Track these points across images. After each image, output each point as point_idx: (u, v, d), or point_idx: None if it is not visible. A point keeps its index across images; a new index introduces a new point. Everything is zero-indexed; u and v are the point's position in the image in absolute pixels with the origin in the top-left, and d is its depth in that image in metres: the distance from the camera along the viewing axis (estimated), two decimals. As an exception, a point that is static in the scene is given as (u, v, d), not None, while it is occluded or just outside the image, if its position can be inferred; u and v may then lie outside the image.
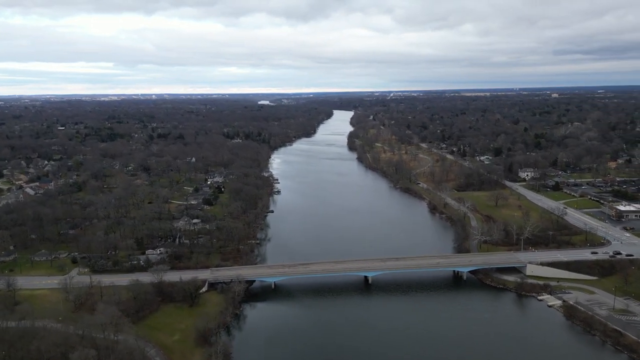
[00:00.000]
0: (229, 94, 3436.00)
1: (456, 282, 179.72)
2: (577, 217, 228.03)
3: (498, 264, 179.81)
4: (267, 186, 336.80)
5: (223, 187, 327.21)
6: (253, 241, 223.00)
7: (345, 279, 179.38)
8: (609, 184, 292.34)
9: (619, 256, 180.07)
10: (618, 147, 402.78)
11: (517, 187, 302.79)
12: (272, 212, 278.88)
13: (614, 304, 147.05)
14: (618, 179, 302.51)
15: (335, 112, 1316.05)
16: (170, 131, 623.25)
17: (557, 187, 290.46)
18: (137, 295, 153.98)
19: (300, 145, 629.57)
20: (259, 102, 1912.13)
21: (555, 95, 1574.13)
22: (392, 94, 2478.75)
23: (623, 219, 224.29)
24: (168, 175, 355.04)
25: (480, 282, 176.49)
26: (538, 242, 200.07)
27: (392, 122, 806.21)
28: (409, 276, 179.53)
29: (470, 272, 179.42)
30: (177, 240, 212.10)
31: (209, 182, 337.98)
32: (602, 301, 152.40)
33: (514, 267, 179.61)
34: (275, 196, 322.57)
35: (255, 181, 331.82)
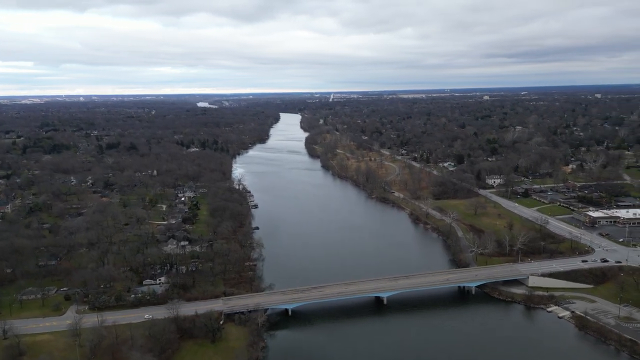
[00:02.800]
0: (163, 95, 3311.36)
1: (464, 296, 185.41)
2: (556, 225, 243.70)
3: (503, 277, 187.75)
4: (244, 200, 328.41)
5: (197, 202, 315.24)
6: (250, 263, 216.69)
7: (359, 300, 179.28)
8: (571, 189, 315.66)
9: (606, 263, 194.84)
10: (566, 152, 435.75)
11: (488, 194, 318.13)
12: (258, 228, 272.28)
13: (619, 313, 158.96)
14: (578, 184, 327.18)
15: (282, 115, 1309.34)
16: (119, 140, 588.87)
17: (526, 194, 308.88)
18: (154, 333, 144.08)
19: (259, 152, 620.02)
20: (199, 104, 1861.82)
21: (486, 97, 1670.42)
22: (332, 95, 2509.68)
23: (596, 225, 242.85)
24: (135, 192, 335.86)
25: (488, 295, 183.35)
26: (529, 252, 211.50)
27: (345, 126, 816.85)
28: (421, 294, 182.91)
29: (477, 286, 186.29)
30: (175, 267, 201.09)
31: (183, 198, 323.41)
32: (605, 310, 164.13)
33: (515, 279, 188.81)
34: (253, 210, 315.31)
35: (231, 195, 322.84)
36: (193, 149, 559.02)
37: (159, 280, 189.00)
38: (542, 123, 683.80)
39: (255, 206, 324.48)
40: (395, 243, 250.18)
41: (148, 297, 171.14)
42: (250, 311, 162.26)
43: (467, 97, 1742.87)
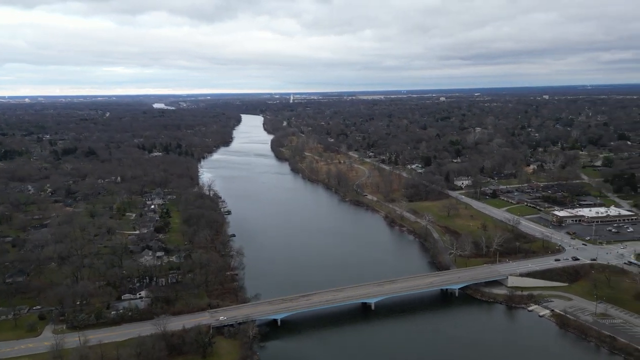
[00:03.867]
0: (115, 96, 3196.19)
1: (447, 299, 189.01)
2: (526, 225, 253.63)
3: (484, 278, 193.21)
4: (216, 207, 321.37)
5: (168, 210, 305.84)
6: (231, 273, 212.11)
7: (347, 306, 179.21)
8: (535, 189, 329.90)
9: (578, 262, 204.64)
10: (525, 153, 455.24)
11: (458, 195, 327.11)
12: (234, 236, 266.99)
13: (595, 310, 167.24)
14: (541, 184, 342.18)
15: (243, 116, 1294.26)
16: (75, 145, 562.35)
17: (494, 195, 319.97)
18: (144, 352, 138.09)
19: (224, 156, 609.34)
20: (155, 105, 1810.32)
21: (443, 98, 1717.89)
22: (292, 96, 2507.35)
23: (563, 224, 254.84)
24: (100, 200, 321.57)
25: (471, 297, 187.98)
26: (505, 252, 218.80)
27: (309, 128, 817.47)
28: (407, 298, 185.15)
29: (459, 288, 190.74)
30: (154, 280, 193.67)
31: (152, 206, 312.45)
32: (582, 307, 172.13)
33: (496, 279, 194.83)
34: (227, 217, 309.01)
35: (203, 202, 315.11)
36: (156, 154, 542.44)
37: (139, 294, 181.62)
38: (499, 124, 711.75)
39: (229, 212, 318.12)
40: (375, 246, 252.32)
41: (130, 313, 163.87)
42: (240, 323, 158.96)
43: (425, 99, 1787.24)
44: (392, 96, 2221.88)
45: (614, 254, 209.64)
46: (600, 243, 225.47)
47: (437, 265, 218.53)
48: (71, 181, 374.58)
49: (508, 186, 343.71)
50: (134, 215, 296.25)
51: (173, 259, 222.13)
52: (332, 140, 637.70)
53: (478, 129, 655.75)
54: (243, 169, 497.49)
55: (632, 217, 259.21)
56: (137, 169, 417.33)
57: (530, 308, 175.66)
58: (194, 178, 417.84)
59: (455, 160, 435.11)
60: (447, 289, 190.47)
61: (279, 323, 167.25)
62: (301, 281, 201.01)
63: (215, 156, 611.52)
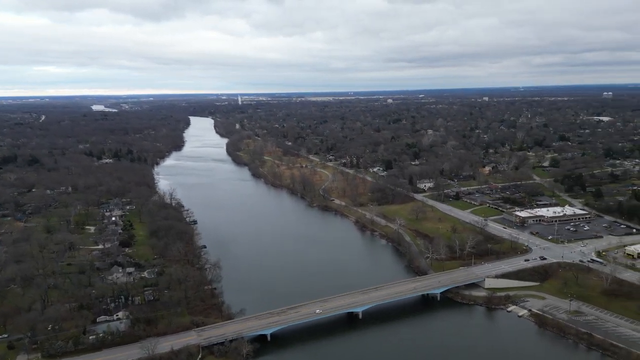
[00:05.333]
0: (48, 97, 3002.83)
1: (430, 303, 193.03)
2: (493, 227, 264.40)
3: (463, 281, 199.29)
4: (181, 216, 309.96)
5: (130, 221, 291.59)
6: (209, 287, 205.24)
7: (335, 316, 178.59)
8: (494, 190, 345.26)
9: (545, 261, 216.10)
10: (478, 155, 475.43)
11: (423, 198, 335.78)
12: (205, 247, 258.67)
13: (569, 308, 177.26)
14: (499, 185, 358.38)
15: (192, 119, 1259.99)
16: (15, 152, 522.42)
17: (457, 197, 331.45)
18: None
19: (179, 161, 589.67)
20: (94, 107, 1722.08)
21: (390, 100, 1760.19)
22: (240, 97, 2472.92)
23: (525, 225, 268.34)
24: (53, 213, 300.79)
25: (452, 300, 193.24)
26: (477, 254, 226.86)
27: (264, 131, 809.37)
28: (392, 305, 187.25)
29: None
30: (130, 299, 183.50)
31: (113, 218, 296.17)
32: (556, 305, 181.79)
33: (474, 282, 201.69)
34: (194, 227, 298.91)
35: (167, 212, 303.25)
36: (106, 160, 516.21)
37: (116, 315, 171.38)
38: (449, 127, 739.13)
39: (194, 222, 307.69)
40: (350, 252, 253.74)
41: (111, 337, 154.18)
42: (231, 340, 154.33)
43: (373, 100, 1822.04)
44: (341, 98, 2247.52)
45: (576, 252, 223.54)
46: (562, 242, 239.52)
47: (414, 269, 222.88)
48: (16, 192, 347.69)
49: (469, 188, 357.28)
50: (93, 228, 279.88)
51: (145, 274, 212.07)
52: (290, 143, 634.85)
53: (430, 132, 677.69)
54: (202, 175, 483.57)
55: (587, 216, 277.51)
56: (89, 177, 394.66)
57: (509, 309, 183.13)
58: (151, 186, 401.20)
59: (414, 163, 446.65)
60: (428, 294, 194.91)
61: (268, 338, 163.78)
62: (284, 292, 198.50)
63: (169, 162, 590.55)
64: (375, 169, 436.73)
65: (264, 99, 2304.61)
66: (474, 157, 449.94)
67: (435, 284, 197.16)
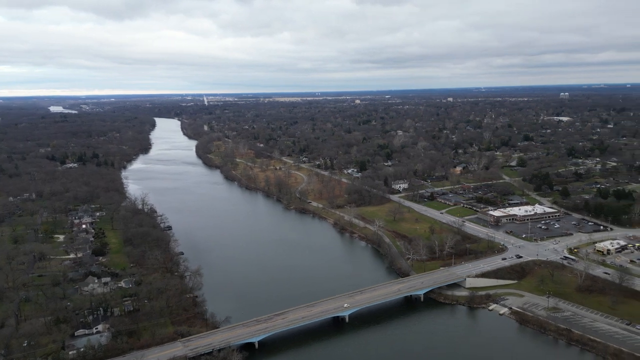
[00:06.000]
0: (2, 98, 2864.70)
1: (414, 304, 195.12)
2: (469, 226, 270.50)
3: (445, 282, 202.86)
4: (155, 222, 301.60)
5: (102, 229, 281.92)
6: (191, 295, 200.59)
7: (322, 321, 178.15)
8: (467, 190, 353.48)
9: (521, 259, 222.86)
10: (449, 155, 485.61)
11: (399, 199, 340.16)
12: (183, 254, 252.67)
13: (548, 304, 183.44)
14: (471, 185, 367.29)
15: (157, 120, 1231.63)
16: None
17: (432, 198, 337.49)
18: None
19: (147, 165, 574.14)
20: (52, 109, 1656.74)
21: (357, 101, 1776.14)
22: (205, 97, 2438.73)
23: (500, 224, 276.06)
24: (18, 222, 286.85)
25: (435, 301, 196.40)
26: (456, 254, 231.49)
27: (234, 133, 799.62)
28: (377, 307, 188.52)
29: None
30: (109, 311, 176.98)
31: (83, 226, 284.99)
32: (535, 302, 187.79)
33: (455, 282, 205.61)
34: (169, 233, 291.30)
35: (140, 218, 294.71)
36: (70, 165, 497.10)
37: (96, 328, 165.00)
38: (418, 127, 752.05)
39: (169, 228, 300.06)
40: (331, 255, 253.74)
41: (92, 352, 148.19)
42: (219, 350, 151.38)
43: (340, 101, 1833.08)
44: (309, 98, 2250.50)
45: (549, 250, 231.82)
46: (535, 240, 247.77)
47: (396, 271, 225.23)
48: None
49: (442, 188, 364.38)
50: (62, 237, 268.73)
51: (122, 284, 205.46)
52: (262, 145, 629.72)
53: (400, 132, 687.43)
54: (173, 179, 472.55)
55: (556, 214, 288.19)
56: (54, 183, 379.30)
57: (490, 307, 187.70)
58: (121, 191, 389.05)
59: (387, 164, 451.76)
60: (412, 295, 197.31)
61: (256, 346, 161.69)
62: (269, 299, 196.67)
63: (137, 165, 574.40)
64: (349, 171, 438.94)
65: (231, 100, 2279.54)
66: (445, 158, 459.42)
67: (418, 285, 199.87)
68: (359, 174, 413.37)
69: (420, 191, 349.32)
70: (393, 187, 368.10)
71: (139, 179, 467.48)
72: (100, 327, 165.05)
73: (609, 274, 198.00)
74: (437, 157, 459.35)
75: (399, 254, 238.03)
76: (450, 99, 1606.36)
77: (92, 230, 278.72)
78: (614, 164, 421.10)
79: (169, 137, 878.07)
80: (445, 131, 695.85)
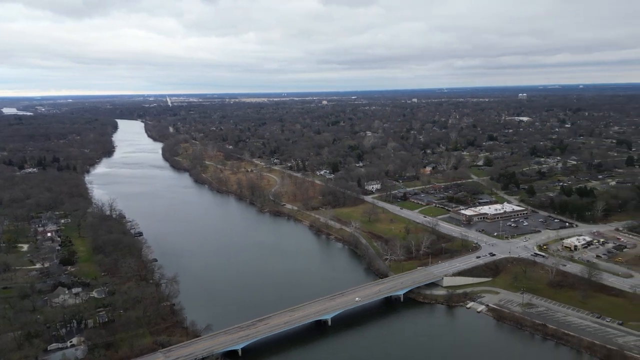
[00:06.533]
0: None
1: (394, 304, 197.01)
2: (443, 226, 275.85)
3: (423, 281, 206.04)
4: (125, 229, 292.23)
5: (68, 237, 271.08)
6: (167, 303, 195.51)
7: (305, 325, 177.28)
8: (438, 190, 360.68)
9: (495, 257, 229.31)
10: (419, 155, 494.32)
11: (373, 200, 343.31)
12: (156, 260, 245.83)
13: (522, 300, 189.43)
14: (441, 185, 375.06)
15: (119, 122, 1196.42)
16: None
17: (405, 198, 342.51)
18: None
19: (112, 169, 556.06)
20: (4, 110, 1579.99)
21: (325, 102, 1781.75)
22: (167, 98, 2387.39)
23: (471, 223, 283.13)
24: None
25: (414, 300, 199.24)
26: (432, 253, 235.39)
27: (201, 135, 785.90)
28: (359, 309, 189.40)
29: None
30: (83, 323, 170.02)
31: (49, 234, 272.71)
32: (510, 299, 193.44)
33: (433, 281, 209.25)
34: (139, 239, 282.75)
35: (110, 225, 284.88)
36: (29, 170, 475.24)
37: (70, 342, 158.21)
38: (387, 128, 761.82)
39: (140, 234, 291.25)
40: (309, 257, 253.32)
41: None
42: (202, 359, 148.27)
43: (307, 102, 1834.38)
44: (275, 99, 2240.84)
45: (520, 247, 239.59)
46: (506, 238, 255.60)
47: (374, 272, 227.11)
48: None
49: (414, 188, 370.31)
50: (26, 246, 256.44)
51: (94, 294, 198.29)
52: (231, 147, 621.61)
53: (369, 133, 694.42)
54: (140, 183, 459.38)
55: (524, 212, 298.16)
56: (14, 190, 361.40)
57: (468, 305, 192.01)
58: (86, 197, 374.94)
59: (358, 165, 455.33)
60: (392, 296, 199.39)
61: (239, 353, 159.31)
62: (249, 304, 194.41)
63: (101, 169, 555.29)
64: (322, 172, 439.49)
65: (195, 100, 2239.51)
66: (415, 158, 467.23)
67: (398, 285, 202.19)
68: (332, 176, 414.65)
69: (393, 191, 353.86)
70: (366, 188, 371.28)
71: (105, 184, 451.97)
72: (75, 340, 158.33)
73: (578, 270, 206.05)
74: (407, 157, 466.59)
75: (377, 255, 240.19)
76: (415, 100, 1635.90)
77: (58, 239, 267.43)
78: (574, 162, 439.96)
79: (133, 140, 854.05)
80: (412, 131, 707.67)
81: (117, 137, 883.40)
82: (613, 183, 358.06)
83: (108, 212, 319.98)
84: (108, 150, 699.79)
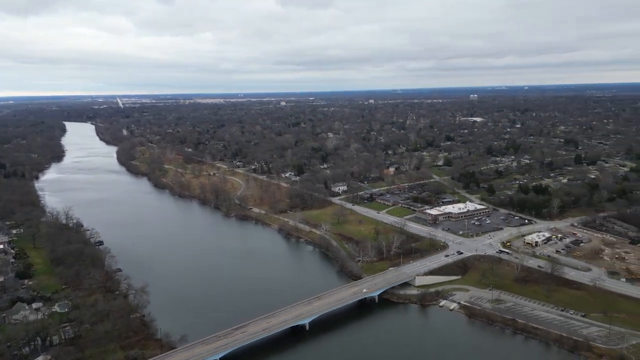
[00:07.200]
0: None
1: (369, 306, 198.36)
2: (411, 226, 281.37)
3: (397, 282, 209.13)
4: (84, 238, 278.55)
5: (22, 248, 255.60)
6: (137, 315, 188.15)
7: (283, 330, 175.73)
8: (402, 191, 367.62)
9: (462, 255, 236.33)
10: (381, 156, 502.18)
11: (340, 201, 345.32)
12: (121, 270, 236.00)
13: (491, 297, 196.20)
14: (405, 185, 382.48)
15: (68, 125, 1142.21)
16: None
17: (371, 199, 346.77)
18: None
19: (64, 174, 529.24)
20: None
21: (283, 103, 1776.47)
22: (118, 99, 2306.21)
23: (437, 222, 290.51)
24: None
25: (389, 301, 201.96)
26: (403, 253, 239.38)
27: (158, 137, 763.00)
28: (335, 312, 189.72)
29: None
30: (48, 340, 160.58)
31: (1, 246, 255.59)
32: (479, 296, 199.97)
33: (405, 281, 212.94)
34: (101, 249, 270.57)
35: (69, 234, 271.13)
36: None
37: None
38: (347, 129, 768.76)
39: (100, 243, 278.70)
40: (281, 262, 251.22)
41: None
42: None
43: (265, 103, 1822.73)
44: (232, 99, 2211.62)
45: (486, 245, 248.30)
46: (472, 236, 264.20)
47: (347, 274, 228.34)
48: None
49: (380, 189, 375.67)
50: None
51: (56, 309, 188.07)
52: (191, 150, 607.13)
53: (331, 135, 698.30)
54: (96, 189, 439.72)
55: (486, 210, 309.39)
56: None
57: (440, 304, 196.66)
58: (38, 205, 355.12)
59: (323, 167, 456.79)
60: (367, 297, 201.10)
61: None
62: (223, 312, 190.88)
63: (52, 175, 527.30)
64: (287, 174, 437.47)
65: (148, 101, 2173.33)
66: (378, 159, 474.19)
67: (372, 286, 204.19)
68: (298, 178, 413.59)
69: (360, 193, 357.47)
70: (333, 189, 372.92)
71: (57, 191, 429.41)
72: (41, 358, 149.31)
73: (541, 266, 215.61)
74: (370, 158, 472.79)
75: (348, 257, 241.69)
76: (372, 101, 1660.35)
77: (12, 251, 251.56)
78: (527, 161, 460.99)
79: (84, 143, 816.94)
80: (373, 133, 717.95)
81: (66, 141, 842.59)
82: (565, 181, 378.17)
83: (64, 221, 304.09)
84: (58, 154, 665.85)
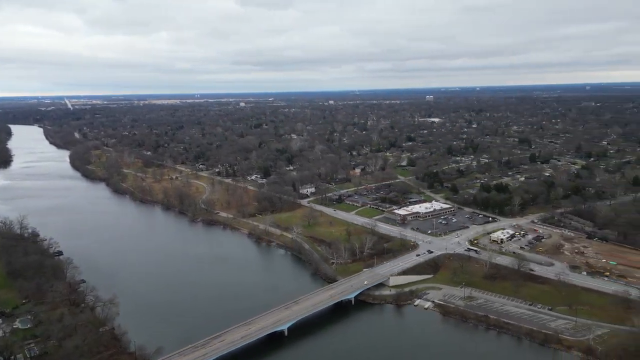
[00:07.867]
0: None
1: (346, 308, 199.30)
2: (381, 226, 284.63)
3: (372, 283, 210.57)
4: (41, 249, 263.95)
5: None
6: (106, 328, 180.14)
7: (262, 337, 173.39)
8: (370, 191, 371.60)
9: (433, 254, 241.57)
10: (346, 158, 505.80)
11: (309, 204, 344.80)
12: (85, 281, 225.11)
13: (463, 294, 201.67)
14: (372, 186, 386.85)
15: (13, 127, 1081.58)
16: None
17: (340, 200, 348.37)
18: None
19: (12, 181, 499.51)
20: None
21: (242, 103, 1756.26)
22: (65, 100, 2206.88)
23: (406, 222, 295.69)
24: None
25: (365, 302, 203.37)
26: (375, 254, 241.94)
27: (114, 140, 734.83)
28: (313, 315, 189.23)
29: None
30: (10, 359, 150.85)
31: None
32: (452, 294, 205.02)
33: (380, 282, 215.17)
34: (60, 259, 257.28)
35: (25, 245, 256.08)
36: None
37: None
38: (310, 130, 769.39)
39: (60, 253, 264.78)
40: (254, 267, 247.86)
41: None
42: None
43: (223, 104, 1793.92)
44: (189, 100, 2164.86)
45: (454, 243, 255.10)
46: (440, 235, 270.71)
47: (321, 277, 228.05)
48: None
49: (347, 190, 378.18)
50: None
51: (18, 325, 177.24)
52: (150, 153, 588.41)
53: (294, 136, 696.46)
54: (50, 196, 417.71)
55: (451, 209, 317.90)
56: None
57: (415, 303, 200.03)
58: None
59: (289, 169, 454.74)
60: (343, 300, 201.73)
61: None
62: (198, 321, 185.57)
63: (0, 182, 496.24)
64: (253, 177, 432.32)
65: (100, 102, 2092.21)
66: (343, 161, 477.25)
67: (348, 288, 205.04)
68: (264, 180, 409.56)
69: (328, 194, 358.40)
70: (301, 191, 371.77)
71: (7, 199, 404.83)
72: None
73: (507, 262, 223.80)
74: (335, 160, 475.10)
75: (322, 259, 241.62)
76: (332, 102, 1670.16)
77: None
78: (486, 160, 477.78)
79: (32, 147, 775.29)
80: (336, 134, 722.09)
81: (12, 145, 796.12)
82: (522, 179, 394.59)
83: (19, 231, 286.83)
84: (4, 159, 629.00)
